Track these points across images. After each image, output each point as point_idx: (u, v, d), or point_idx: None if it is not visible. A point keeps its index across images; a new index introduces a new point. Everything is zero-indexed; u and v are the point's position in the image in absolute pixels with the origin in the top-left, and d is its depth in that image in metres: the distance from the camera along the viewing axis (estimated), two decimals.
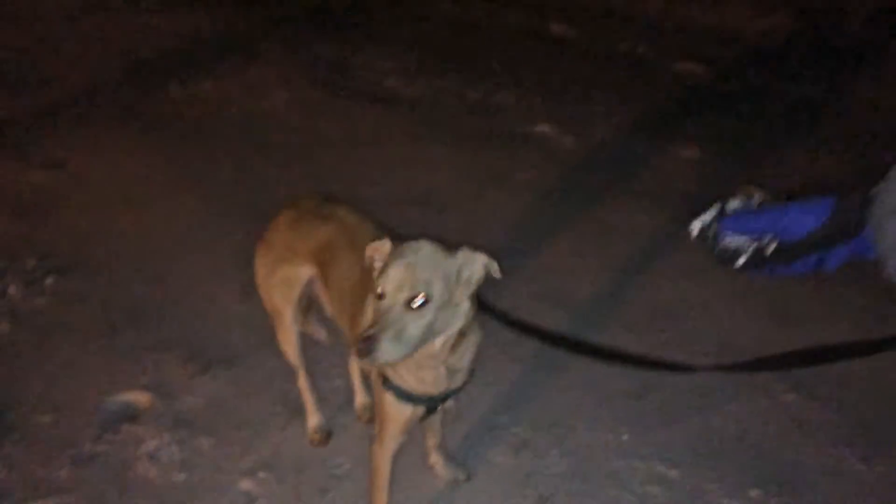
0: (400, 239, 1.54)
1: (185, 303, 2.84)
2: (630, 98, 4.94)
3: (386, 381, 1.65)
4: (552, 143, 4.25)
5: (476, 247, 1.50)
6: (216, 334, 2.69)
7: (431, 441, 2.08)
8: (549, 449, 2.21)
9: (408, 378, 1.63)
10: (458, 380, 1.66)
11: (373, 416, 2.28)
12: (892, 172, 1.19)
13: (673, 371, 1.48)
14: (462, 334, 1.54)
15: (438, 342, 1.52)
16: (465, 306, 1.51)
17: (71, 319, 2.75)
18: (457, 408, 2.17)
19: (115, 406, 2.38)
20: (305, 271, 1.97)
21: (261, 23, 6.12)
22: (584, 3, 7.46)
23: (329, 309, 1.99)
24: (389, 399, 1.67)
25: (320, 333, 2.20)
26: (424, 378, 1.61)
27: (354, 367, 2.34)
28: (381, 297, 1.43)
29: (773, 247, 1.26)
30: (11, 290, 2.86)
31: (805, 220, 1.17)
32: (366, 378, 2.26)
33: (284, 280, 2.00)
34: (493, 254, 1.50)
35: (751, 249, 1.20)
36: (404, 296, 1.41)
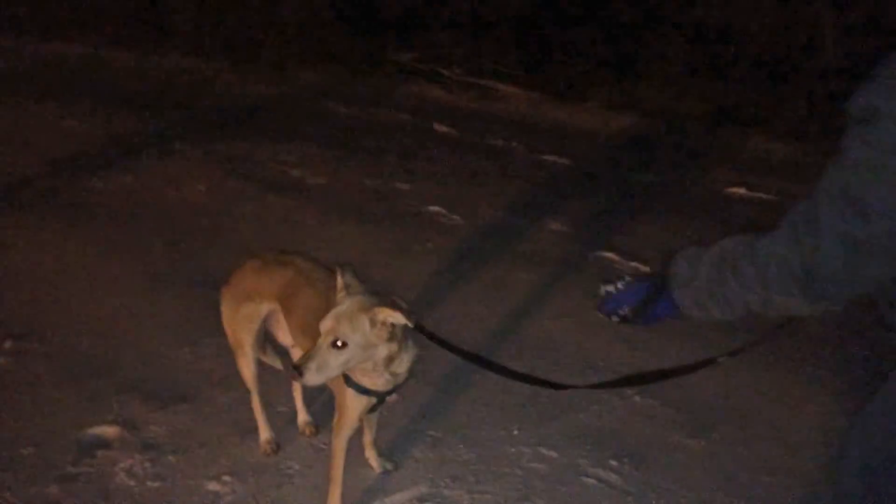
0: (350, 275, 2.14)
1: (136, 353, 3.28)
2: (506, 183, 5.81)
3: (348, 380, 2.21)
4: (443, 220, 5.00)
5: (395, 303, 2.03)
6: (168, 377, 3.13)
7: (367, 438, 2.62)
8: (457, 444, 2.80)
9: (363, 380, 2.20)
10: (401, 379, 2.25)
11: (313, 430, 2.82)
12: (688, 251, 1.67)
13: (556, 388, 2.08)
14: (390, 357, 2.14)
15: (370, 364, 2.12)
16: (383, 344, 2.06)
17: (34, 374, 3.12)
18: (386, 414, 2.72)
19: (88, 438, 2.78)
20: (265, 308, 2.52)
21: (172, 125, 6.68)
22: (462, 107, 8.48)
23: (288, 338, 2.54)
24: (350, 393, 2.23)
25: (276, 362, 2.73)
26: (376, 381, 2.20)
27: (298, 392, 2.86)
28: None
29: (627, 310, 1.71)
30: None
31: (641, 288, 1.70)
32: (306, 401, 2.81)
33: (247, 316, 2.54)
34: (408, 307, 2.08)
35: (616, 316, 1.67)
36: (329, 339, 1.99)
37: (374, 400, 2.27)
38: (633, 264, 4.39)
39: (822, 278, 1.36)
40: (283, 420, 2.90)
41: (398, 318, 2.03)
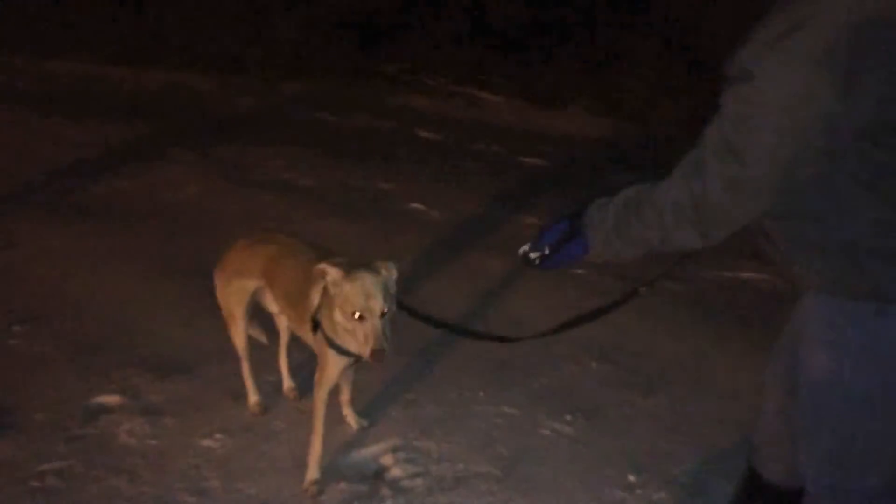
0: (326, 252, 2.45)
1: (136, 333, 3.57)
2: (484, 183, 6.13)
3: (331, 343, 2.49)
4: (424, 216, 5.31)
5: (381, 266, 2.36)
6: (166, 353, 3.42)
7: (345, 397, 2.92)
8: (428, 404, 3.10)
9: (344, 338, 2.43)
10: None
11: (296, 395, 3.11)
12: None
13: (504, 341, 2.40)
14: None
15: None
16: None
17: (42, 352, 3.40)
18: (365, 379, 2.98)
19: (93, 405, 3.06)
20: (253, 283, 2.82)
21: (166, 132, 6.99)
22: (446, 115, 8.81)
23: (274, 306, 2.84)
24: (332, 353, 2.51)
25: (261, 337, 3.03)
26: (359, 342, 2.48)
27: (283, 361, 3.15)
28: (361, 318, 2.25)
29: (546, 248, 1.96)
30: None
31: (558, 229, 1.97)
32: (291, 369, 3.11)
33: (238, 290, 2.83)
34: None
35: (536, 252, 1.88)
36: (379, 312, 2.26)
37: (352, 360, 2.57)
38: None
39: (709, 215, 1.63)
40: (270, 388, 3.18)
41: (394, 273, 2.37)
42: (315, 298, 2.50)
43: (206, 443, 2.86)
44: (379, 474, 2.72)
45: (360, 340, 2.29)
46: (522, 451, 2.82)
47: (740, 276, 4.41)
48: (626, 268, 4.49)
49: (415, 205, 5.49)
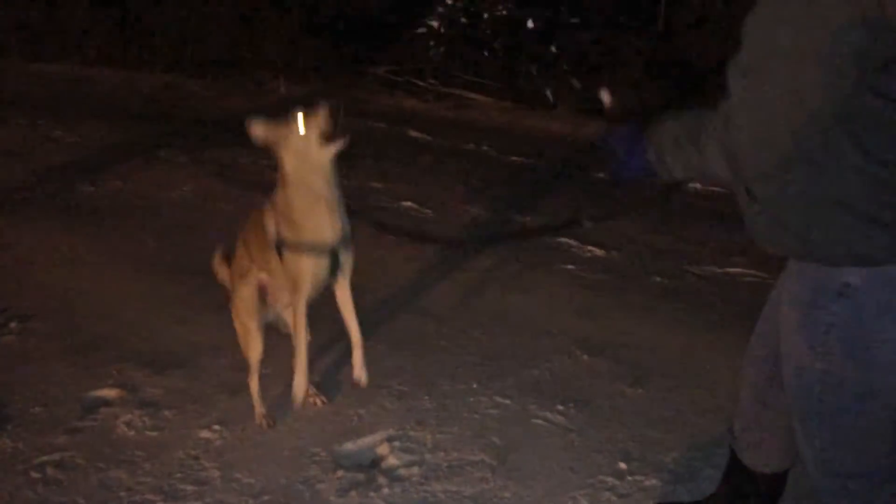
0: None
1: (133, 330, 3.60)
2: (474, 181, 6.19)
3: (282, 245, 2.52)
4: (415, 213, 5.37)
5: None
6: (162, 348, 3.46)
7: (355, 337, 2.73)
8: (422, 396, 3.15)
9: (303, 224, 2.48)
10: (340, 230, 2.56)
11: (271, 423, 2.94)
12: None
13: (454, 247, 2.47)
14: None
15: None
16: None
17: (39, 349, 3.44)
18: (366, 376, 2.94)
19: (91, 399, 3.10)
20: (253, 279, 2.84)
21: (156, 135, 7.02)
22: (436, 116, 8.88)
23: (276, 299, 2.84)
24: (290, 257, 2.53)
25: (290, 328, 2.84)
26: (317, 222, 2.50)
27: (255, 386, 2.94)
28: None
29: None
30: None
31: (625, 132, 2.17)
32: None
33: (243, 298, 2.82)
34: None
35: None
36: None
37: (323, 262, 2.56)
38: (590, 247, 4.77)
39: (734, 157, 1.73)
40: (267, 381, 3.22)
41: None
42: (270, 225, 2.59)
43: (205, 434, 2.90)
44: (375, 463, 2.77)
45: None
46: (515, 441, 2.88)
47: (729, 271, 4.49)
48: (615, 263, 4.59)
49: (406, 203, 5.55)
